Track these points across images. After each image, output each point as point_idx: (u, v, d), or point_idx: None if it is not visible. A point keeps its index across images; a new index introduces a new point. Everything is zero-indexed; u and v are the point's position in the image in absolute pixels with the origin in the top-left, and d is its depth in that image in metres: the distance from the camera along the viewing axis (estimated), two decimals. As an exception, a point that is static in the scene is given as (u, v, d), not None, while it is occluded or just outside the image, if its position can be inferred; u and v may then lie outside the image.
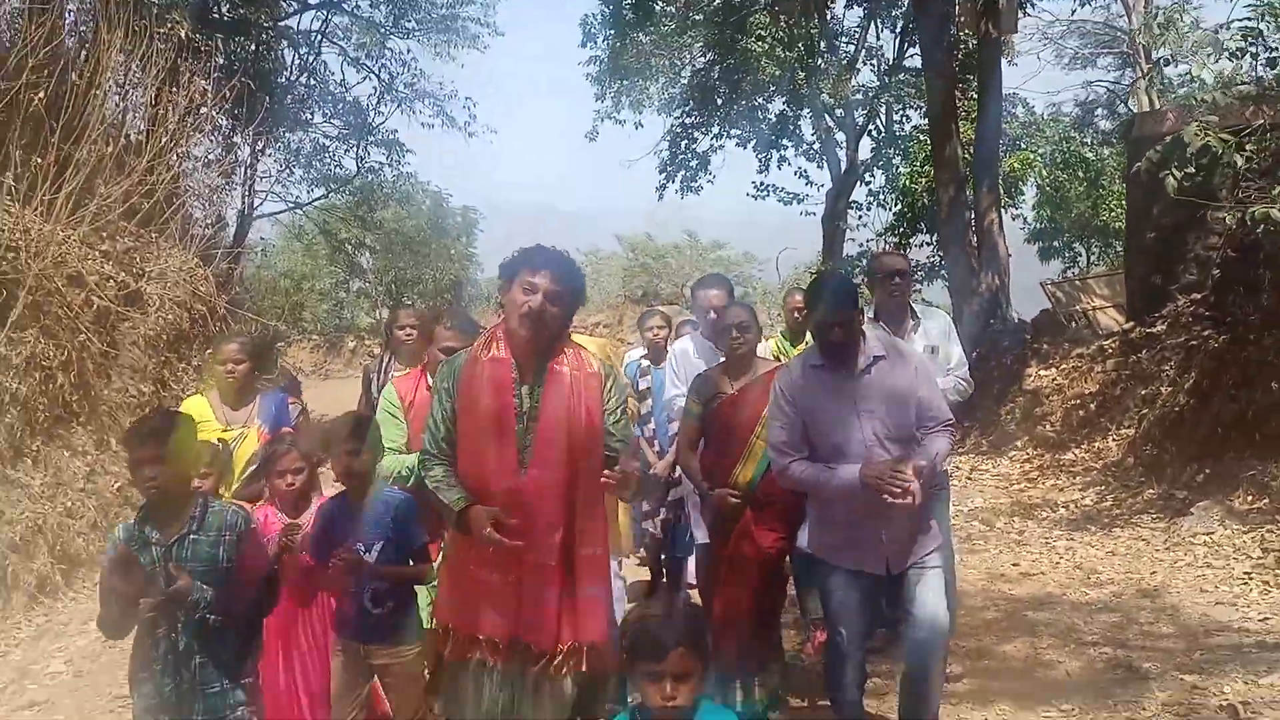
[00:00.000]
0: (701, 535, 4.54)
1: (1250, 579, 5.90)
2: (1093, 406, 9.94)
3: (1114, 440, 9.21)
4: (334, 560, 3.37)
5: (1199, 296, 10.11)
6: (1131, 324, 11.26)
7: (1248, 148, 6.27)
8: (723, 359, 4.41)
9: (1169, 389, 8.86)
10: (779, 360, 4.89)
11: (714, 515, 4.23)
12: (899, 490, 3.34)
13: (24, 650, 6.13)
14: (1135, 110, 22.19)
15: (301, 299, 32.99)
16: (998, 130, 13.80)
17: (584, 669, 2.94)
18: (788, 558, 4.34)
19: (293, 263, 32.50)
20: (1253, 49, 6.85)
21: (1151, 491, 7.82)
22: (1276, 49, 7.02)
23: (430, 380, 4.14)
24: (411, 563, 3.54)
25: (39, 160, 9.22)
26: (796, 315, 6.11)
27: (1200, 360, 8.51)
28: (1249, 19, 6.73)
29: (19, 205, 9.00)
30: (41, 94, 9.17)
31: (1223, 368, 7.92)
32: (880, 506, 3.42)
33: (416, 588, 3.66)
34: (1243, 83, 7.64)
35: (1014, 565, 6.83)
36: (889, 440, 3.56)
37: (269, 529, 3.77)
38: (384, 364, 6.04)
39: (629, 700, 2.85)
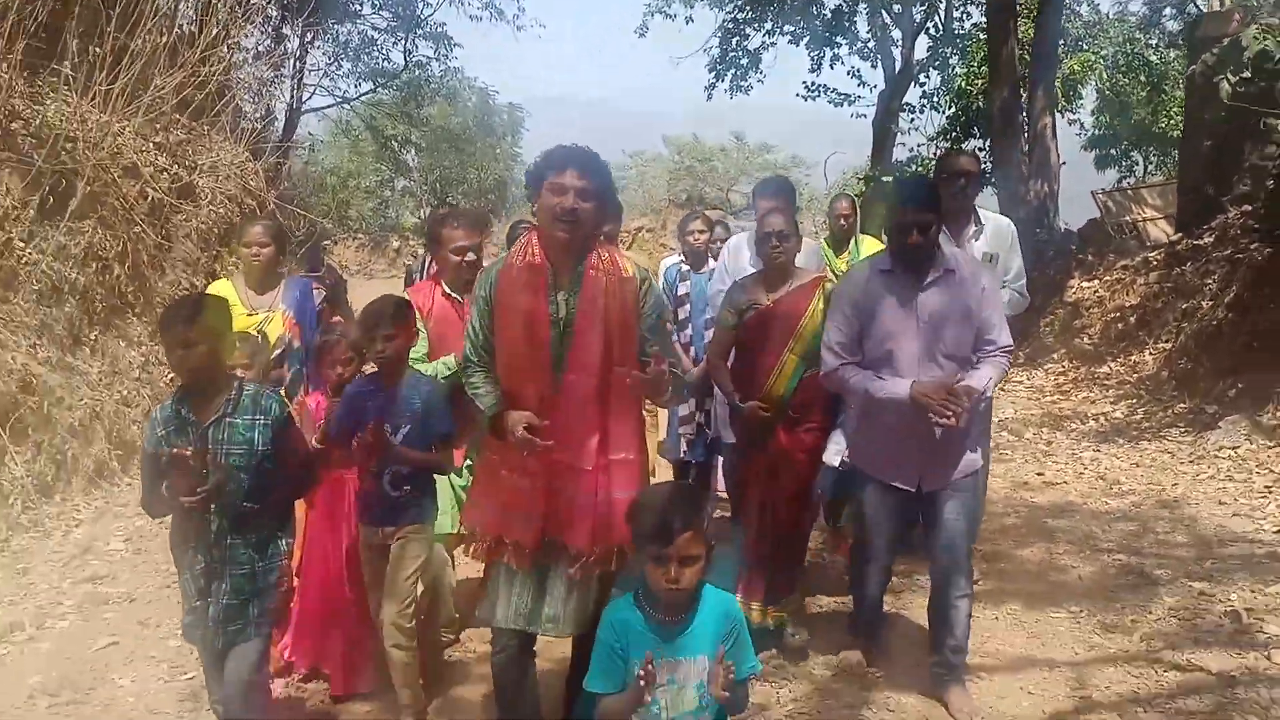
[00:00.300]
0: (728, 435, 4.52)
1: (1270, 492, 5.98)
2: (1132, 320, 9.89)
3: (1150, 354, 9.20)
4: (359, 436, 3.41)
5: (1250, 208, 9.91)
6: (1179, 235, 11.08)
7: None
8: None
9: (1209, 303, 8.79)
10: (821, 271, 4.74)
11: (743, 427, 4.17)
12: (946, 413, 3.33)
13: (85, 529, 6.43)
14: (1204, 9, 21.27)
15: (347, 196, 33.11)
16: (1057, 30, 13.38)
17: (613, 570, 2.98)
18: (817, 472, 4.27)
19: (338, 159, 32.59)
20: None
21: (1183, 405, 7.86)
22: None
23: (444, 288, 4.19)
24: (434, 450, 3.56)
25: (96, 50, 9.30)
26: (842, 222, 6.10)
27: (1243, 273, 8.41)
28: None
29: (76, 95, 9.13)
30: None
31: (1263, 280, 7.83)
32: (923, 426, 3.43)
33: (440, 487, 3.70)
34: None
35: (1038, 474, 6.96)
36: (944, 357, 3.53)
37: (319, 415, 3.85)
38: (425, 264, 6.10)
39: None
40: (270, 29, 16.14)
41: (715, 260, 5.53)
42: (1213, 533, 5.49)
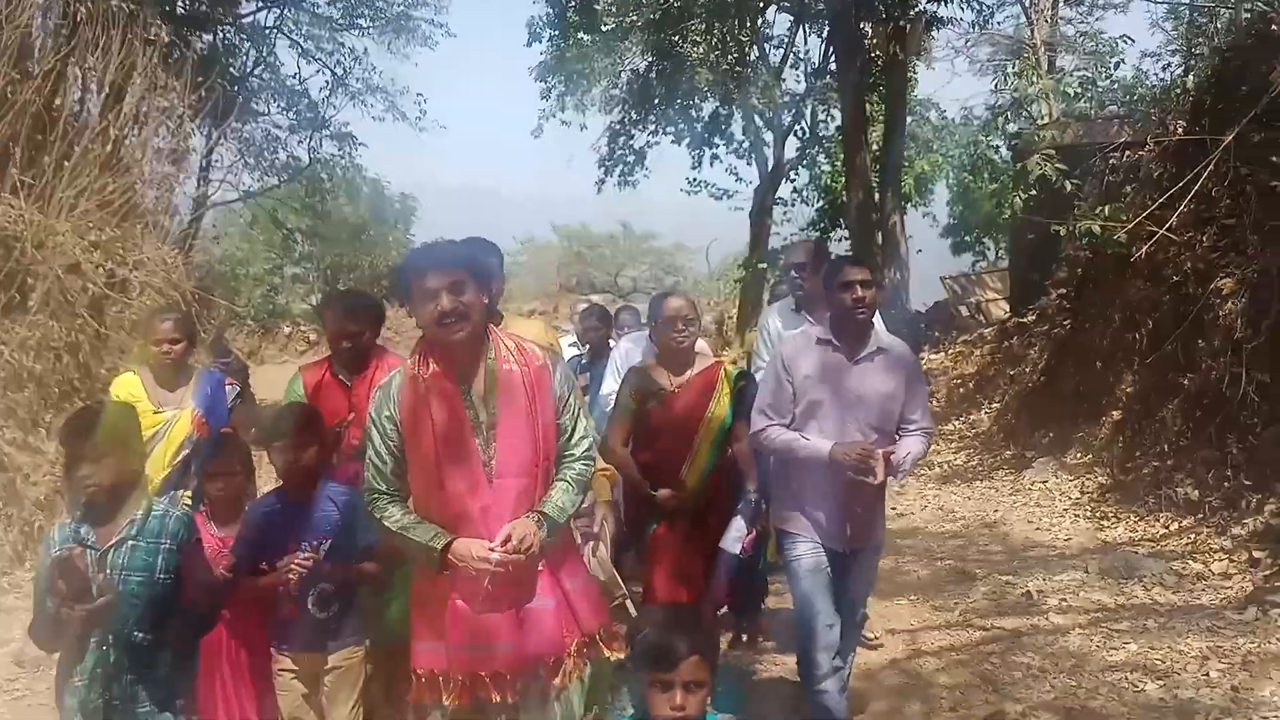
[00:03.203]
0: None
1: (1067, 513, 7.60)
2: (971, 385, 11.68)
3: (985, 413, 10.95)
4: (293, 563, 3.14)
5: (1064, 292, 11.86)
6: (1009, 315, 13.02)
7: (1075, 176, 7.90)
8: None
9: (1030, 370, 10.59)
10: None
11: (637, 515, 4.16)
12: (865, 468, 3.43)
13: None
14: (1037, 117, 24.18)
15: (237, 285, 33.42)
16: (901, 144, 15.45)
17: (595, 657, 2.85)
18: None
19: (229, 247, 32.94)
20: (1088, 94, 8.47)
21: (1008, 452, 9.54)
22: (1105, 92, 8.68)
23: (334, 369, 4.06)
24: (359, 563, 3.35)
25: (46, 158, 10.24)
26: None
27: (1053, 346, 10.23)
28: (1085, 69, 8.39)
29: (22, 199, 10.03)
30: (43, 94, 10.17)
31: (1066, 352, 9.64)
32: (844, 485, 3.53)
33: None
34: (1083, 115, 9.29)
35: (892, 509, 8.41)
36: (870, 429, 3.61)
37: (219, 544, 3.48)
38: None
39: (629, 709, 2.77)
40: (175, 126, 17.03)
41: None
42: (1021, 543, 7.04)
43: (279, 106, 21.42)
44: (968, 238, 26.45)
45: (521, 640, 2.74)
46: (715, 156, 23.68)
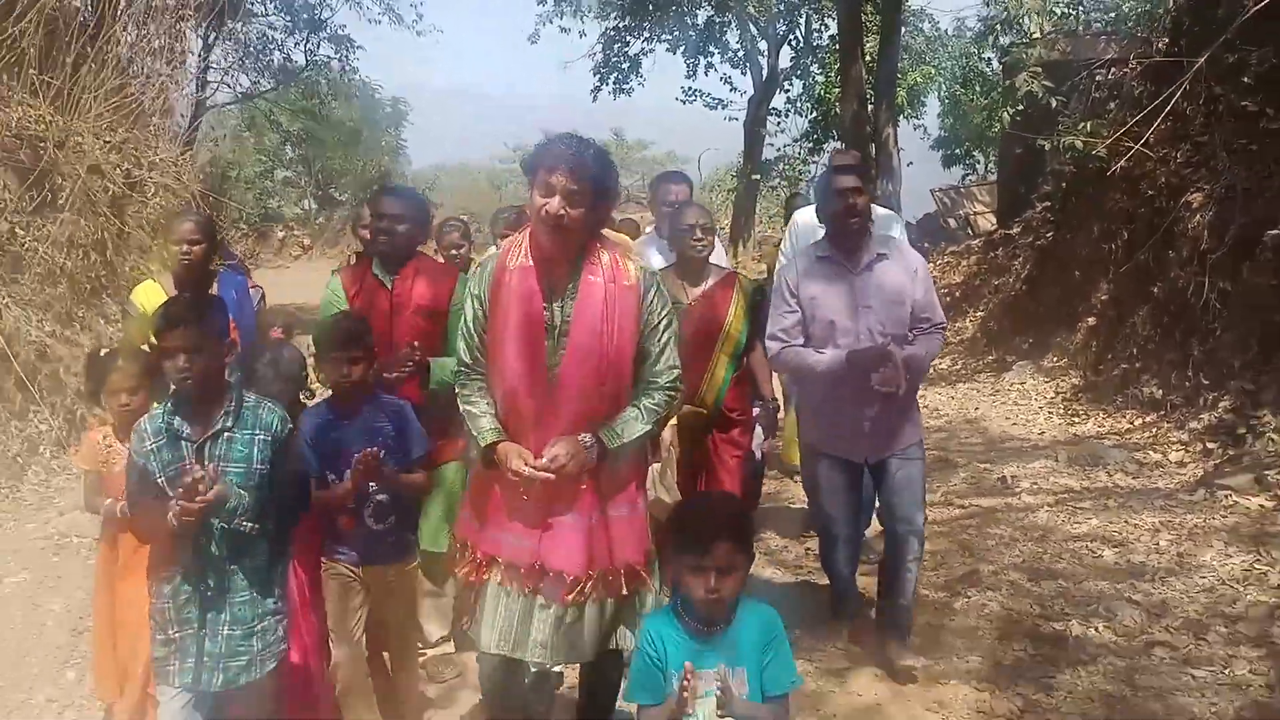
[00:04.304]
0: None
1: (1040, 411, 8.26)
2: (958, 294, 12.27)
3: (970, 321, 11.57)
4: (358, 461, 3.09)
5: (1049, 205, 12.39)
6: (995, 227, 13.55)
7: (1061, 92, 8.35)
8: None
9: (1012, 279, 11.17)
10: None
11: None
12: (888, 374, 3.51)
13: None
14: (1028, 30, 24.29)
15: (228, 188, 33.37)
16: (896, 56, 15.66)
17: (624, 592, 2.81)
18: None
19: (220, 150, 32.85)
20: (1075, 11, 8.84)
21: (991, 357, 10.18)
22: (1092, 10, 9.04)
23: (375, 272, 3.97)
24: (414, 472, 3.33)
25: (65, 59, 10.50)
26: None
27: (1035, 255, 10.80)
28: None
29: (42, 100, 10.32)
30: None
31: (1047, 262, 10.21)
32: (864, 394, 3.60)
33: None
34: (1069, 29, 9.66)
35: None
36: (882, 336, 3.69)
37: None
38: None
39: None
40: (173, 28, 17.05)
41: None
42: (998, 436, 7.70)
43: (275, 7, 21.37)
44: (958, 151, 26.75)
45: (546, 549, 2.76)
46: (710, 65, 23.84)
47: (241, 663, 2.72)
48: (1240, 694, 3.67)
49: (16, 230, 9.09)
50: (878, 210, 4.57)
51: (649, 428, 2.83)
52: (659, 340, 2.83)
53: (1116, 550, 5.14)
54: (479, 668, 3.15)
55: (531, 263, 2.78)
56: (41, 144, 9.86)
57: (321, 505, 3.20)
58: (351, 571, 3.28)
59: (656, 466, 3.66)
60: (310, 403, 3.58)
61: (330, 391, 3.36)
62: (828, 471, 3.92)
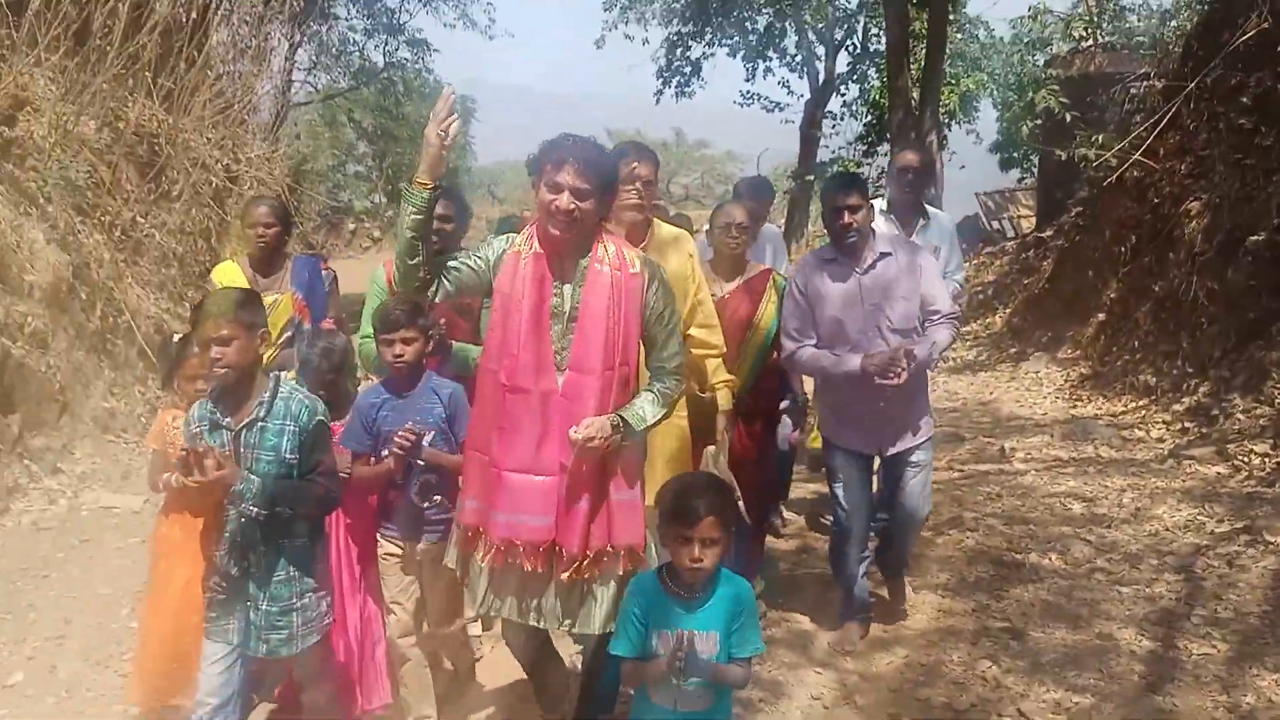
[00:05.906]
0: None
1: (1049, 396, 9.12)
2: (989, 292, 13.05)
3: (999, 317, 12.36)
4: (398, 438, 3.23)
5: (1080, 210, 13.09)
6: (1031, 231, 14.28)
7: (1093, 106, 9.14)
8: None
9: (1039, 279, 11.94)
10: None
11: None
12: (890, 374, 3.64)
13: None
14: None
15: (301, 180, 34.73)
16: (941, 64, 16.39)
17: (621, 573, 2.89)
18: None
19: (298, 146, 34.31)
20: (1101, 29, 9.63)
21: (1013, 349, 10.99)
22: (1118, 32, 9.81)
23: None
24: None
25: (180, 64, 11.73)
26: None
27: (1058, 256, 11.57)
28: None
29: (154, 100, 11.56)
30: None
31: (1067, 263, 10.99)
32: (876, 394, 3.73)
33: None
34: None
35: (906, 391, 9.97)
36: (891, 331, 3.83)
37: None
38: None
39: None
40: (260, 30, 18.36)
41: None
42: (1006, 415, 8.58)
43: (356, 10, 22.71)
44: (1014, 154, 27.18)
45: (560, 528, 2.84)
46: (768, 69, 24.73)
47: (282, 636, 2.93)
48: (1153, 604, 4.55)
49: (137, 219, 10.36)
50: (934, 212, 5.10)
51: (664, 411, 2.97)
52: (665, 327, 2.96)
53: (1085, 505, 6.02)
54: (511, 642, 3.25)
55: (542, 252, 2.90)
56: (156, 140, 11.14)
57: (365, 481, 3.38)
58: (399, 547, 3.41)
59: (712, 449, 3.87)
60: (359, 390, 3.70)
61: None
62: (843, 464, 4.08)
